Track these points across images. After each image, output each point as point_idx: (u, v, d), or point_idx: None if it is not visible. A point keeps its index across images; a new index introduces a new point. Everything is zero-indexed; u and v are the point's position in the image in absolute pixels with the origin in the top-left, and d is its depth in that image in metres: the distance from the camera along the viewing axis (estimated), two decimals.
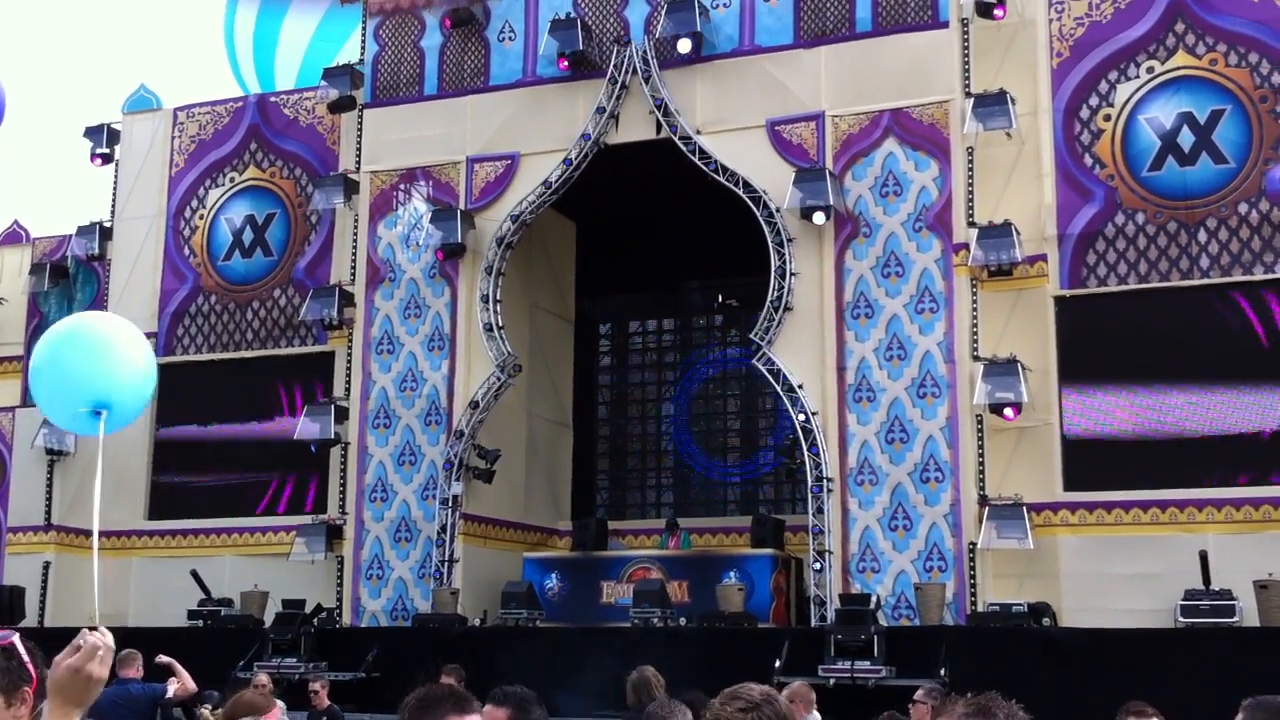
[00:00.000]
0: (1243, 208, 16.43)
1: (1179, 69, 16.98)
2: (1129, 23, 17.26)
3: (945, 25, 17.52)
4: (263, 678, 13.81)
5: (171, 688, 11.58)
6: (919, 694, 10.23)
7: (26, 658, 3.28)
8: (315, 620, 17.78)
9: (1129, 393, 16.61)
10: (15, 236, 24.79)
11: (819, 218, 17.31)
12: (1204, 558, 14.87)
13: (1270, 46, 16.62)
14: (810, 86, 17.97)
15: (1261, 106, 16.57)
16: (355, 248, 20.16)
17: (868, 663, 14.58)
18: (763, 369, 17.58)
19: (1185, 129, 16.81)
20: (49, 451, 20.50)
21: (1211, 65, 16.86)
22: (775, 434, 21.20)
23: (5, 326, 24.16)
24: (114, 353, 4.08)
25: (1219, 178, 16.58)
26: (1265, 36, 16.65)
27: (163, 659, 11.99)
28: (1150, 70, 17.11)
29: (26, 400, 23.03)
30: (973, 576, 16.15)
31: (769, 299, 17.55)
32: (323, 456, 19.76)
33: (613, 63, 18.77)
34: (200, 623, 18.45)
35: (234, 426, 20.98)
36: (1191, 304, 16.57)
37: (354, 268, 20.10)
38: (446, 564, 18.39)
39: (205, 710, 11.82)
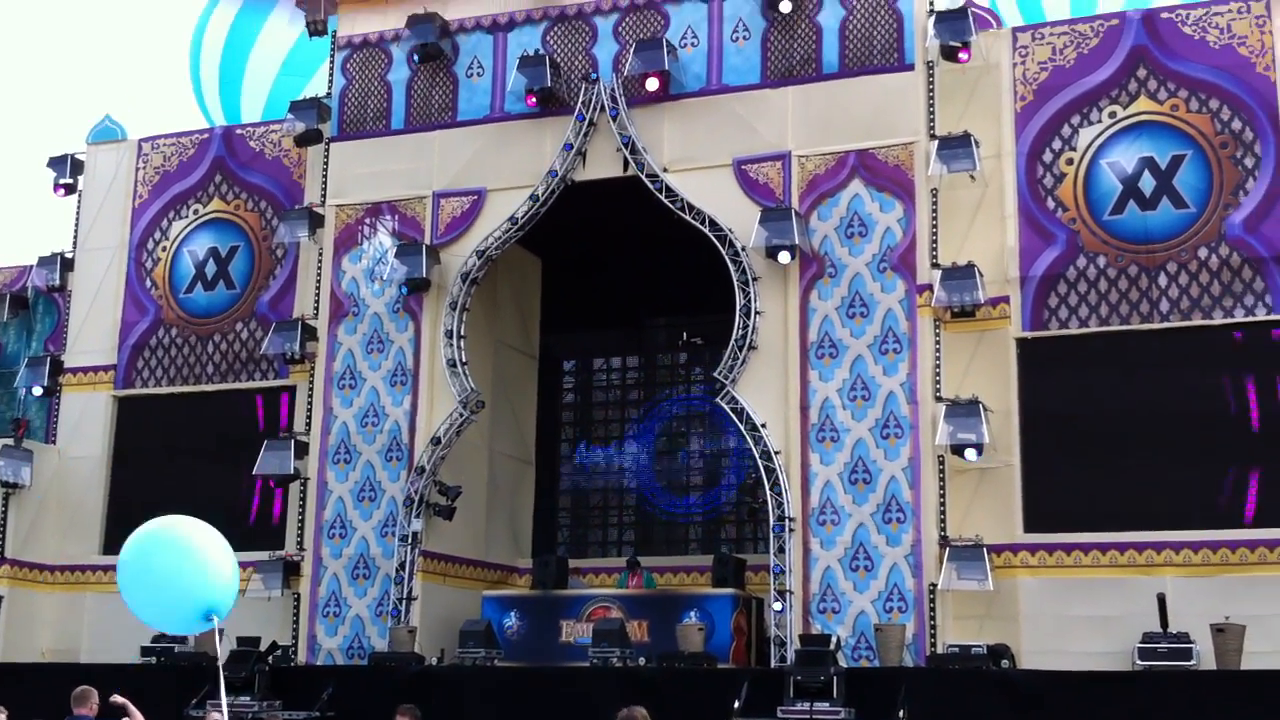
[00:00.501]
0: (1203, 252, 16.55)
1: (1141, 114, 17.13)
2: (1092, 68, 17.42)
3: (911, 68, 17.64)
4: (215, 716, 13.63)
5: None
6: None
7: None
8: (270, 658, 17.55)
9: (1089, 435, 16.64)
10: None
11: (784, 257, 17.34)
12: (1162, 601, 14.90)
13: (1230, 93, 16.79)
14: (777, 126, 18.04)
15: (1222, 152, 16.72)
16: (319, 282, 20.06)
17: (827, 704, 14.45)
18: (726, 408, 17.56)
19: (1146, 174, 16.94)
20: (4, 484, 20.19)
21: (1173, 111, 17.02)
22: (737, 473, 21.16)
23: None
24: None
25: (1179, 222, 16.71)
26: (1226, 83, 16.82)
27: (117, 699, 11.88)
28: (1112, 115, 17.26)
29: None
30: (933, 618, 16.10)
31: (733, 338, 17.55)
32: (281, 492, 19.58)
33: (580, 100, 18.80)
34: (153, 659, 18.18)
35: (192, 460, 20.74)
36: (1152, 347, 16.65)
37: (317, 302, 19.99)
38: (405, 602, 18.21)
39: None
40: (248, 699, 16.65)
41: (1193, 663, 14.64)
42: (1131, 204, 16.95)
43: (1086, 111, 17.38)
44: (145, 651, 18.34)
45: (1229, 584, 15.38)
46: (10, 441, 20.60)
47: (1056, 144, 17.42)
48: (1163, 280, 16.68)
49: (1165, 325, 16.60)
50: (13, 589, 20.14)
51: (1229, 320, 16.41)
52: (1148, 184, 16.91)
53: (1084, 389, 16.79)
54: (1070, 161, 17.30)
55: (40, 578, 20.66)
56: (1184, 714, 13.58)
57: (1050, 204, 17.28)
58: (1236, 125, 16.73)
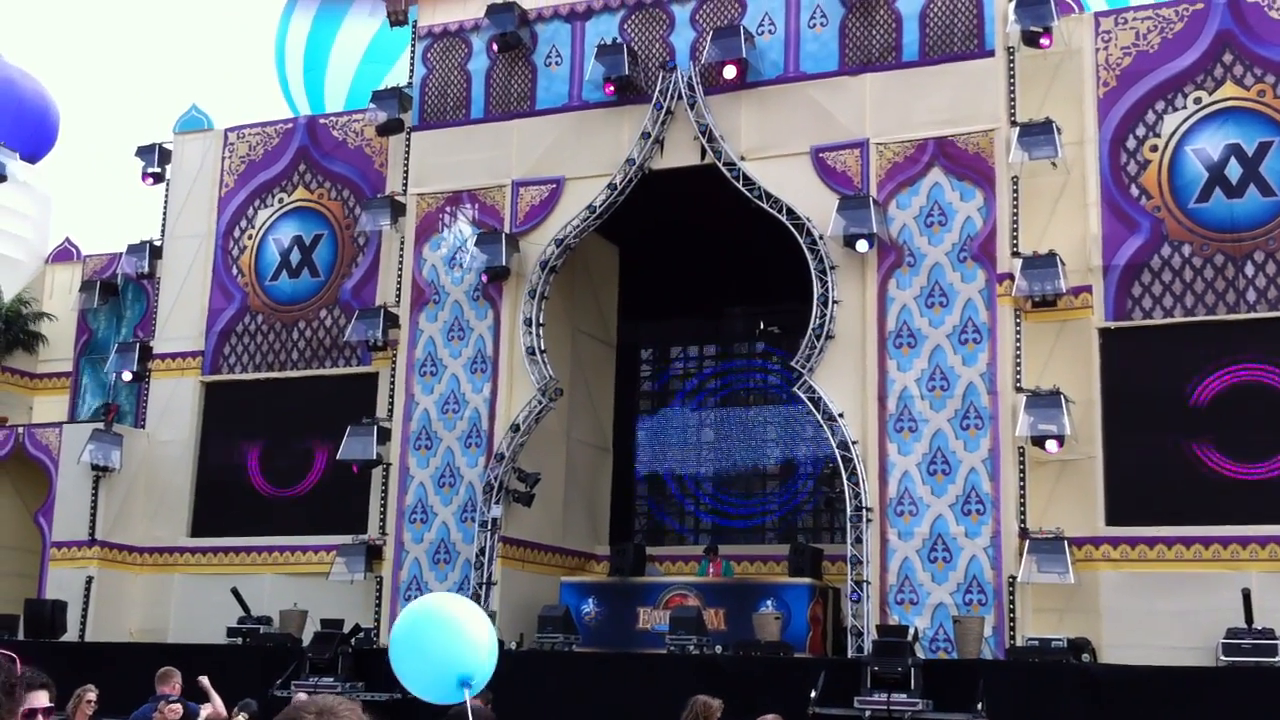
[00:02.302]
0: None
1: (1226, 100, 16.84)
2: (1176, 53, 17.14)
3: (991, 54, 17.48)
4: (302, 696, 13.91)
5: (204, 712, 11.92)
6: None
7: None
8: (353, 640, 17.85)
9: (1173, 427, 16.41)
10: (66, 254, 25.17)
11: (862, 246, 17.26)
12: (1247, 596, 14.69)
13: None
14: (855, 114, 17.95)
15: None
16: (401, 270, 20.29)
17: (904, 695, 14.43)
18: (803, 396, 17.54)
19: (1233, 160, 16.66)
20: (94, 468, 20.70)
21: (1259, 96, 16.71)
22: (815, 462, 21.13)
23: (55, 343, 24.53)
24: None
25: (1267, 210, 16.42)
26: None
27: (203, 682, 12.25)
28: (1198, 101, 16.98)
29: (74, 416, 23.34)
30: (1012, 610, 15.99)
31: (811, 326, 17.52)
32: (364, 477, 19.86)
33: (658, 88, 18.83)
34: (239, 640, 18.56)
35: (277, 445, 21.11)
36: (1238, 338, 16.38)
37: (399, 289, 20.23)
38: (484, 586, 18.41)
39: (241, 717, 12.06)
40: (331, 680, 16.94)
41: (1278, 659, 14.43)
42: (1218, 191, 16.67)
43: (1171, 97, 17.11)
44: (231, 632, 18.73)
45: None
46: (101, 426, 21.09)
47: (1140, 130, 17.17)
48: (1249, 269, 16.40)
49: (1252, 315, 16.33)
50: (102, 570, 20.65)
51: None
52: (1234, 171, 16.62)
53: (1168, 380, 16.56)
54: (1154, 148, 17.05)
55: (129, 559, 21.15)
56: (1269, 711, 13.39)
57: (1134, 191, 17.04)
58: None
